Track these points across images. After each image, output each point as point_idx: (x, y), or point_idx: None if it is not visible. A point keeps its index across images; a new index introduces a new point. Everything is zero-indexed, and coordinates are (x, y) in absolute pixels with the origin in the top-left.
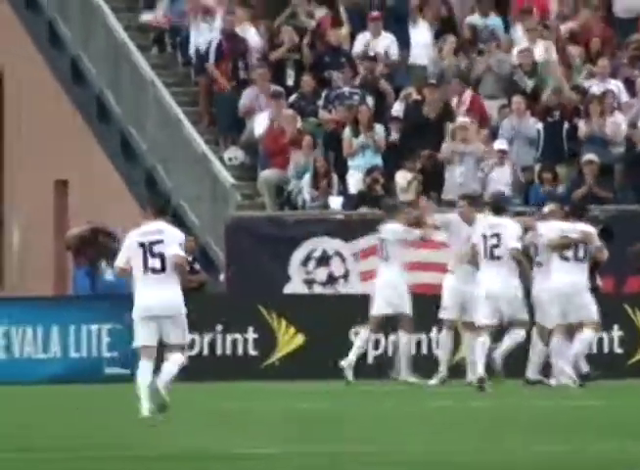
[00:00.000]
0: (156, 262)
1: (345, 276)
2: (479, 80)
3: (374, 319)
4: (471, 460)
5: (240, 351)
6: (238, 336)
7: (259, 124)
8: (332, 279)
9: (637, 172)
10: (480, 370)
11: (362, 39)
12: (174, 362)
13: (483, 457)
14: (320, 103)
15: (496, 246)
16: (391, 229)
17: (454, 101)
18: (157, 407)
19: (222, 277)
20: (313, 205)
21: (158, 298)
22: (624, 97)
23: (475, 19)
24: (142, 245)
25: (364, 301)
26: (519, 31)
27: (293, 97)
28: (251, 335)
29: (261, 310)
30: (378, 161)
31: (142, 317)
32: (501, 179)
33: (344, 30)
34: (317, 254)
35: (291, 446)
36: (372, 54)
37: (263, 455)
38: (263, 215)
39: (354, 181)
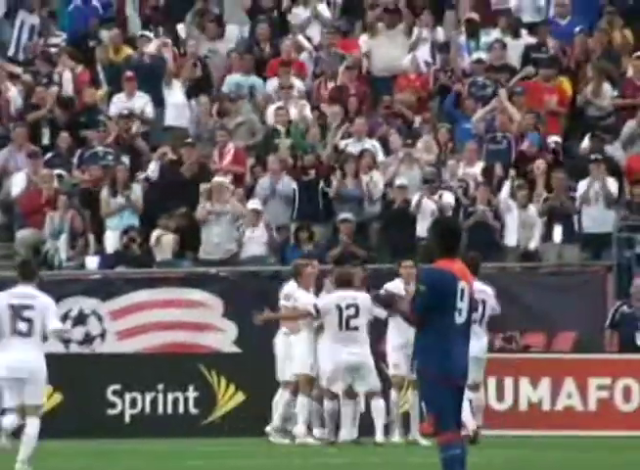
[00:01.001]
0: (23, 326)
1: (102, 335)
2: (235, 138)
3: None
4: None
5: None
6: None
7: (16, 184)
8: (89, 338)
9: (393, 231)
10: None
11: (117, 99)
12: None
13: None
14: (75, 162)
15: None
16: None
17: (215, 154)
18: None
19: None
20: (70, 264)
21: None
22: (381, 155)
23: (234, 77)
24: (12, 307)
25: (121, 360)
26: (275, 90)
27: (48, 156)
28: None
29: None
30: (134, 220)
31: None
32: (257, 239)
33: (102, 90)
34: (74, 313)
35: None
36: (126, 113)
37: None
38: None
39: (111, 241)
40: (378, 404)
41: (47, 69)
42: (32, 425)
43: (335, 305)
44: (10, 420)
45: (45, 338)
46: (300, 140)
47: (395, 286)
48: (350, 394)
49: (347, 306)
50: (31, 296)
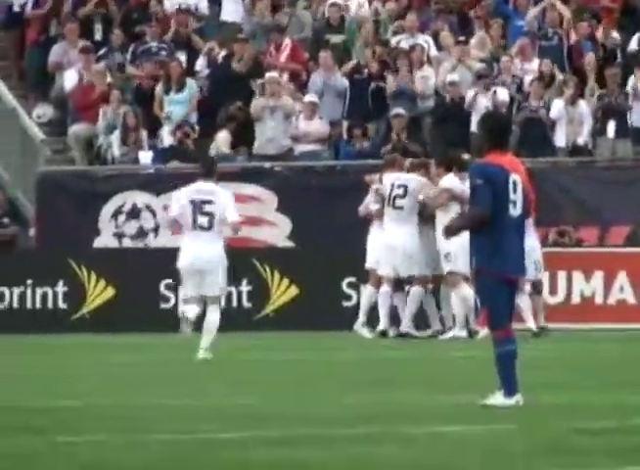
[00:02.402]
0: (204, 220)
1: (156, 230)
2: (289, 33)
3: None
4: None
5: (50, 304)
6: (48, 289)
7: (69, 80)
8: (142, 233)
9: (447, 125)
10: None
11: None
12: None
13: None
14: (128, 57)
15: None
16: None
17: (271, 52)
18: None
19: (32, 232)
20: (123, 159)
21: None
22: (433, 51)
23: None
24: (193, 202)
25: (174, 254)
26: None
27: (101, 52)
28: (60, 288)
29: (71, 264)
30: (188, 115)
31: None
32: (312, 133)
33: None
34: (127, 208)
35: (98, 399)
36: (184, 8)
37: (64, 408)
38: (73, 170)
39: (165, 136)
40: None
41: None
42: (213, 314)
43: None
44: (192, 309)
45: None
46: (355, 36)
47: (450, 181)
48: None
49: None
50: (211, 192)
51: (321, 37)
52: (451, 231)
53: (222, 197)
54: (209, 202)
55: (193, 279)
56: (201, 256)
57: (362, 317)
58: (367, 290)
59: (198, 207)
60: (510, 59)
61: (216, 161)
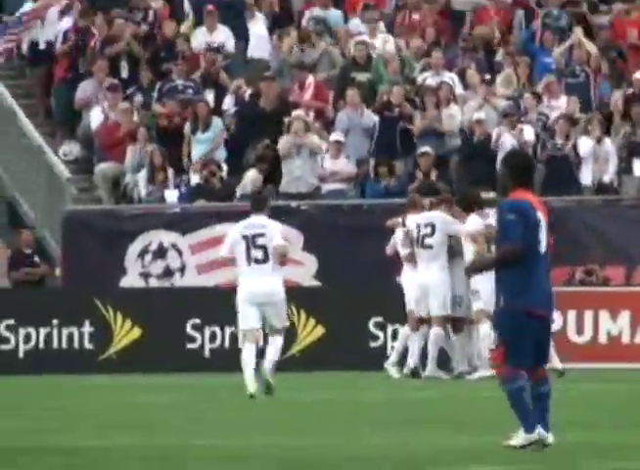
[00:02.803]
0: (258, 254)
1: (182, 269)
2: (314, 72)
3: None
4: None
5: (76, 344)
6: (74, 329)
7: (95, 118)
8: (168, 272)
9: (473, 164)
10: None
11: (199, 32)
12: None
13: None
14: (154, 95)
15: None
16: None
17: (295, 90)
18: (263, 389)
19: (58, 271)
20: (150, 198)
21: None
22: (459, 89)
23: (315, 11)
24: (245, 237)
25: (200, 294)
26: (357, 24)
27: (129, 90)
28: (87, 328)
29: (97, 304)
30: (215, 154)
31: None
32: (338, 172)
33: (188, 23)
34: (153, 247)
35: (125, 439)
36: (213, 46)
37: (93, 448)
38: (99, 209)
39: (191, 175)
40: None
41: (129, 2)
42: (277, 341)
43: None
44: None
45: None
46: (382, 73)
47: (473, 224)
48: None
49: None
50: (262, 225)
51: (347, 75)
52: (478, 269)
53: (272, 228)
54: (262, 235)
55: (253, 312)
56: (261, 288)
57: (394, 357)
58: (404, 331)
59: (251, 241)
60: (536, 97)
61: (268, 195)
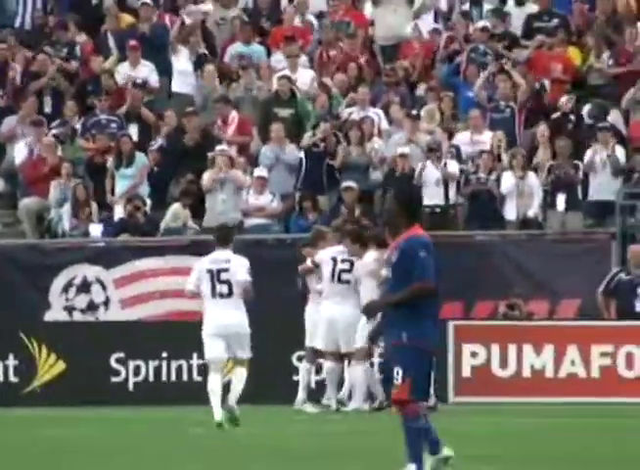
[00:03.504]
0: (223, 288)
1: (106, 303)
2: (238, 107)
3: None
4: None
5: (0, 377)
6: None
7: (19, 152)
8: (92, 306)
9: None
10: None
11: (122, 67)
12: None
13: None
14: (79, 130)
15: None
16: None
17: (218, 124)
18: (229, 421)
19: None
20: (74, 232)
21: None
22: (385, 124)
23: (237, 46)
24: (210, 271)
25: (124, 328)
26: (280, 59)
27: (52, 125)
28: (11, 362)
29: (22, 337)
30: (139, 188)
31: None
32: (261, 207)
33: (112, 58)
34: (78, 281)
35: None
36: (140, 82)
37: None
38: (24, 243)
39: (116, 209)
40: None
41: (53, 37)
42: (242, 374)
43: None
44: (215, 382)
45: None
46: (308, 110)
47: (370, 258)
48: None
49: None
50: (227, 260)
51: (270, 110)
52: (381, 308)
53: (236, 263)
54: (226, 270)
55: (217, 344)
56: (226, 321)
57: (302, 394)
58: (305, 366)
59: (215, 276)
60: (451, 131)
61: (233, 229)
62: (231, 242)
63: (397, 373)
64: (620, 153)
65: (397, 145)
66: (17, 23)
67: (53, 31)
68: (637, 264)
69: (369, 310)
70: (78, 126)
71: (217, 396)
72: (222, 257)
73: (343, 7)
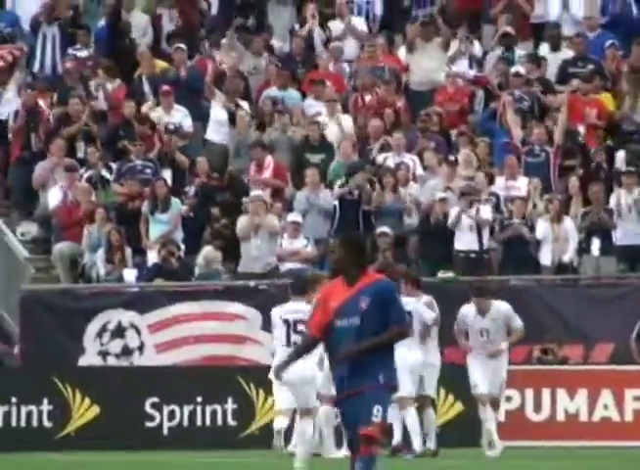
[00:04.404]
0: (297, 338)
1: (140, 348)
2: (272, 152)
3: None
4: None
5: (35, 422)
6: (33, 408)
7: (53, 197)
8: (127, 351)
9: (431, 243)
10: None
11: (156, 112)
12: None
13: None
14: (112, 176)
15: None
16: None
17: (252, 169)
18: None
19: (17, 350)
20: (108, 277)
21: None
22: (419, 169)
23: (272, 91)
24: (286, 322)
25: (159, 373)
26: (313, 104)
27: (86, 170)
28: (45, 407)
29: (56, 382)
30: (174, 234)
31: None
32: (296, 253)
33: (148, 104)
34: (112, 326)
35: None
36: (172, 128)
37: None
38: (58, 288)
39: (149, 254)
40: None
41: (79, 83)
42: (309, 425)
43: None
44: (282, 421)
45: None
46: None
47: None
48: None
49: None
50: (303, 311)
51: (302, 155)
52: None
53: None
54: (302, 321)
55: (286, 393)
56: (296, 370)
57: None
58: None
59: (291, 327)
60: (488, 176)
61: (308, 279)
62: (306, 293)
63: (377, 410)
64: None
65: (433, 190)
66: (35, 68)
67: (81, 76)
68: None
69: (350, 358)
70: (105, 172)
71: (309, 443)
72: (297, 308)
73: (379, 52)
